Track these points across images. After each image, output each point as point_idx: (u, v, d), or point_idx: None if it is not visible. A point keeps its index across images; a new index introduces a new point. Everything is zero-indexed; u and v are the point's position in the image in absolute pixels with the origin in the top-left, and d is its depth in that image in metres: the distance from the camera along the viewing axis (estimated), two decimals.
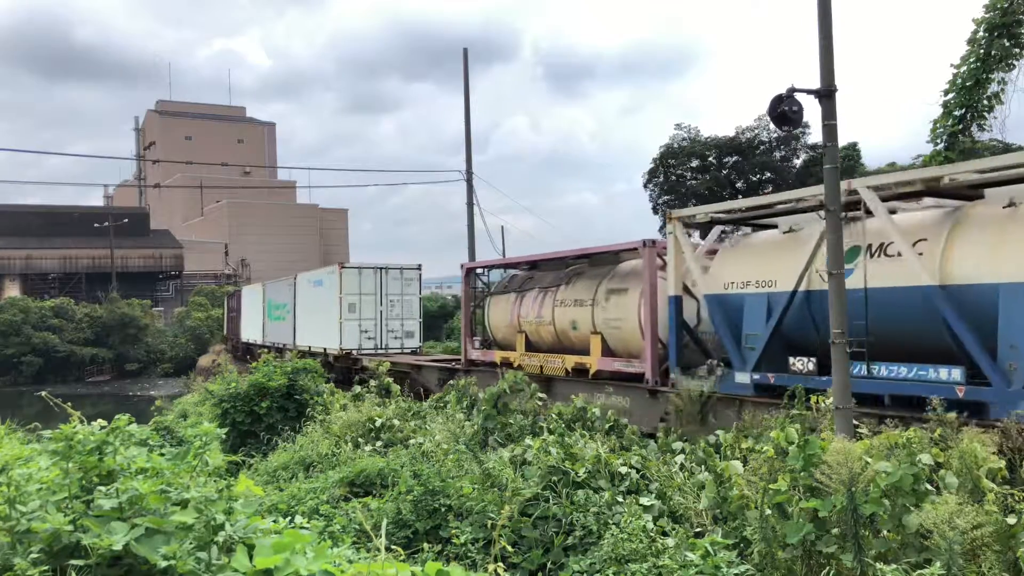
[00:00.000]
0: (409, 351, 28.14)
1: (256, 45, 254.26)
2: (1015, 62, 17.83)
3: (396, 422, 12.97)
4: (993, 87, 18.11)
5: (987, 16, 17.86)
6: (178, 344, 61.38)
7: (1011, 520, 5.43)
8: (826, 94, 8.70)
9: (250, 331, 42.88)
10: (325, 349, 28.83)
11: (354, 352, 27.51)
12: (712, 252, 14.47)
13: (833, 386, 8.66)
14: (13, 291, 67.19)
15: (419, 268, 29.15)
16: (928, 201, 10.97)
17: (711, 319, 13.62)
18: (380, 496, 8.83)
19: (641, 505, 7.52)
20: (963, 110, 18.24)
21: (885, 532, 5.71)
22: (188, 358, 58.07)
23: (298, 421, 14.62)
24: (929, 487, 5.85)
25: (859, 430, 8.33)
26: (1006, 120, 18.36)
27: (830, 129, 8.76)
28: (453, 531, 7.43)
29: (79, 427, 3.93)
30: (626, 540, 6.58)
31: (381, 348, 27.76)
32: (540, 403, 12.39)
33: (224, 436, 13.16)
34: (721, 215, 13.86)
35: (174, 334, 62.95)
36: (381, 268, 28.16)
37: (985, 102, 18.13)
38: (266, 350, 29.72)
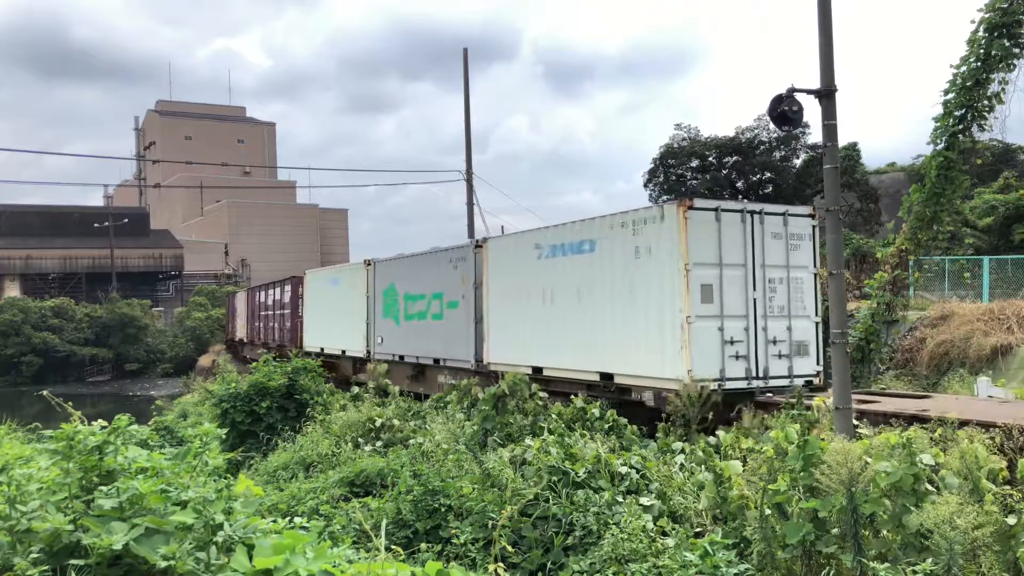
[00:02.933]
0: (804, 382, 13.36)
1: (256, 45, 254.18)
2: (1015, 62, 17.83)
3: (396, 422, 12.98)
4: (993, 87, 18.11)
5: (987, 16, 17.86)
6: (178, 344, 61.35)
7: (1011, 520, 5.43)
8: (826, 94, 8.71)
9: (327, 335, 27.99)
10: (634, 381, 13.72)
11: (714, 385, 12.39)
12: None
13: (833, 386, 8.66)
14: (13, 291, 67.17)
15: (812, 214, 13.90)
16: None
17: None
18: (380, 496, 8.82)
19: (641, 505, 7.52)
20: (963, 110, 18.25)
21: (885, 532, 5.71)
22: (188, 358, 58.02)
23: (298, 421, 14.63)
24: (929, 487, 5.85)
25: (859, 430, 8.34)
26: (1006, 120, 18.36)
27: (830, 129, 8.77)
28: (453, 531, 7.43)
29: (79, 427, 3.94)
30: (626, 540, 6.58)
31: (758, 377, 13.06)
32: (541, 403, 12.40)
33: (224, 436, 13.17)
34: None
35: (174, 334, 62.92)
36: (751, 211, 13.44)
37: (985, 102, 18.13)
38: (388, 365, 20.70)
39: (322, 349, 27.67)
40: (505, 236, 19.11)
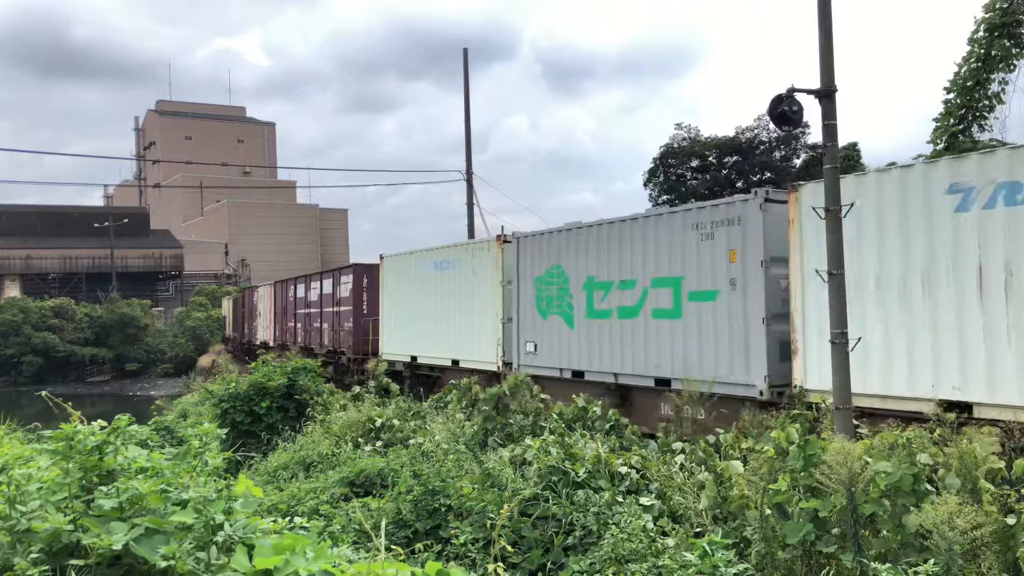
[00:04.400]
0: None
1: (255, 45, 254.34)
2: (1015, 62, 17.84)
3: (396, 422, 12.98)
4: (994, 87, 18.13)
5: (987, 16, 17.87)
6: (178, 344, 61.36)
7: (1011, 520, 5.44)
8: (826, 94, 8.70)
9: (424, 340, 20.83)
10: None
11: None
12: None
13: (833, 386, 8.66)
14: (13, 291, 67.17)
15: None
16: None
17: None
18: (380, 496, 8.83)
19: (641, 505, 7.52)
20: (963, 110, 18.25)
21: (885, 532, 5.71)
22: (188, 358, 58.03)
23: (298, 421, 14.64)
24: (929, 487, 5.85)
25: (859, 430, 8.34)
26: (1006, 120, 18.37)
27: (830, 129, 8.76)
28: (453, 531, 7.44)
29: (79, 427, 3.93)
30: (626, 540, 6.59)
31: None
32: (541, 404, 12.40)
33: (224, 436, 13.16)
34: None
35: (174, 334, 62.93)
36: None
37: (985, 102, 18.14)
38: (541, 382, 14.72)
39: (414, 359, 21.02)
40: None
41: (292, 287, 33.88)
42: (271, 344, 36.51)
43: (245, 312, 45.52)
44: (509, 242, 17.54)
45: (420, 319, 20.84)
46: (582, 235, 15.31)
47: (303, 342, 31.35)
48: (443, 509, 7.85)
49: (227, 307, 55.55)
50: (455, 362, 19.14)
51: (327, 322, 28.44)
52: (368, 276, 24.95)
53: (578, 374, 15.14)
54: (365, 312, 24.78)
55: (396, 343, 22.26)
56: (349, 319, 25.90)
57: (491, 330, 17.76)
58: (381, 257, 23.47)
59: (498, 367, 17.23)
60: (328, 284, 28.63)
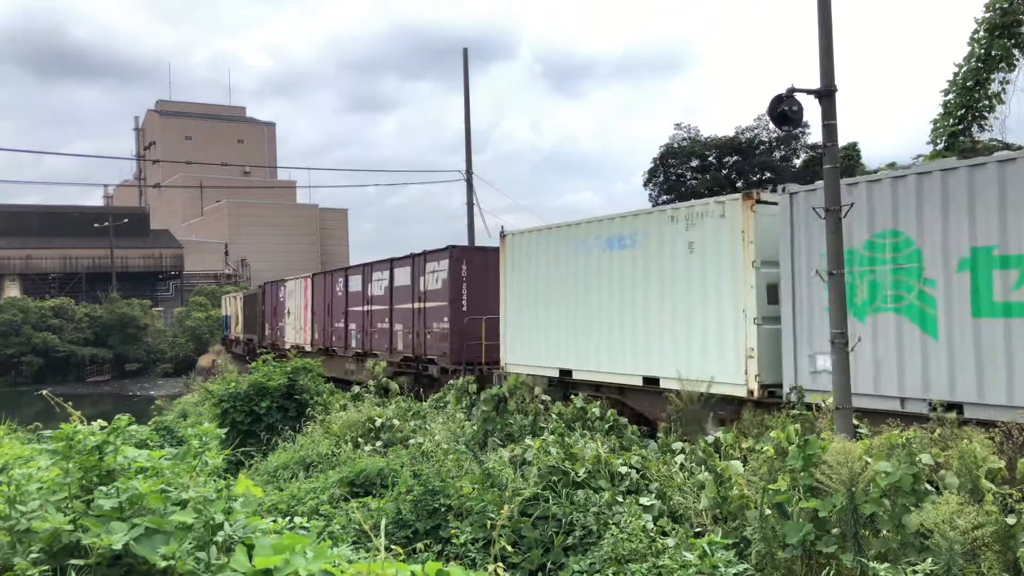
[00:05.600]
0: None
1: (256, 45, 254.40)
2: (1016, 62, 17.84)
3: (396, 422, 12.98)
4: (994, 87, 18.13)
5: (987, 16, 17.87)
6: (178, 344, 61.36)
7: (1011, 520, 5.44)
8: (826, 94, 8.70)
9: (586, 348, 15.20)
10: None
11: None
12: None
13: (833, 386, 8.65)
14: (13, 291, 67.18)
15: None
16: None
17: None
18: (380, 496, 8.83)
19: (641, 505, 7.53)
20: (963, 110, 18.25)
21: (885, 532, 5.71)
22: (188, 358, 58.00)
23: (298, 421, 14.64)
24: (929, 487, 5.86)
25: (859, 430, 8.34)
26: (1006, 120, 18.37)
27: (830, 129, 8.76)
28: (453, 531, 7.44)
29: (79, 427, 3.93)
30: (626, 540, 6.59)
31: None
32: (541, 404, 12.41)
33: (224, 436, 13.17)
34: None
35: (174, 334, 62.94)
36: None
37: (985, 102, 18.14)
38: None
39: (565, 373, 15.43)
40: None
41: (342, 280, 27.65)
42: (307, 348, 30.27)
43: (265, 311, 38.39)
44: (768, 202, 12.08)
45: (577, 318, 15.15)
46: (958, 180, 9.62)
47: (361, 346, 25.34)
48: (443, 509, 7.85)
49: (231, 305, 49.40)
50: (651, 380, 13.45)
51: (401, 322, 22.62)
52: (469, 262, 20.04)
53: (953, 407, 9.07)
54: (465, 309, 19.65)
55: (531, 351, 16.47)
56: (442, 319, 20.22)
57: (731, 334, 12.13)
58: (502, 236, 17.76)
59: (752, 391, 11.69)
60: (403, 274, 22.72)
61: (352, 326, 26.54)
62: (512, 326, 17.29)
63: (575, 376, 15.22)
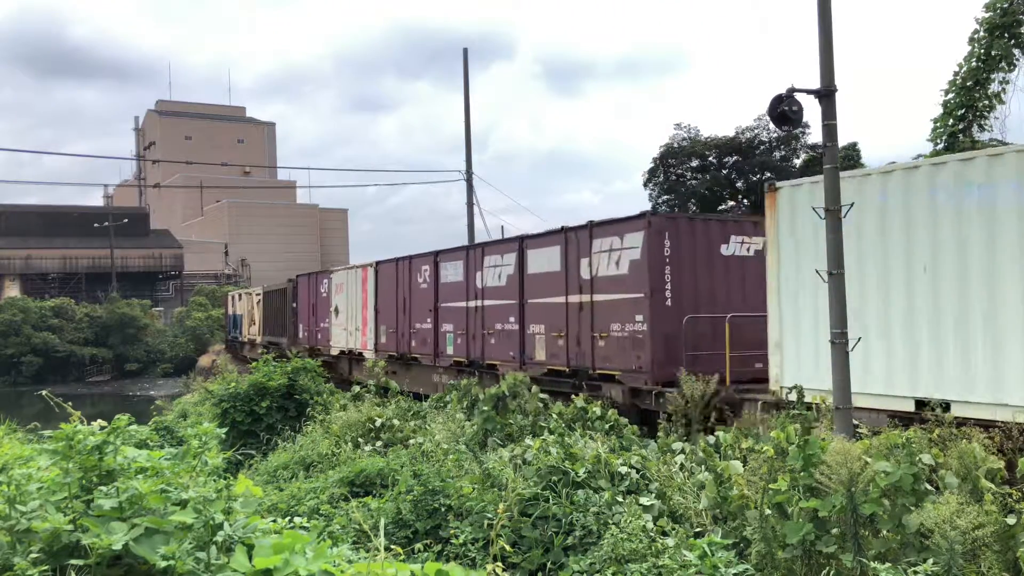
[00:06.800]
0: None
1: (255, 45, 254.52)
2: (1015, 62, 17.85)
3: (396, 422, 12.98)
4: (994, 87, 18.14)
5: (987, 16, 17.89)
6: (178, 344, 61.36)
7: (1011, 520, 5.44)
8: (826, 94, 8.71)
9: (957, 368, 9.26)
10: None
11: None
12: None
13: (833, 386, 8.65)
14: (13, 291, 67.19)
15: None
16: None
17: None
18: (380, 496, 8.83)
19: (641, 505, 7.52)
20: (963, 110, 18.26)
21: (885, 532, 5.71)
22: (188, 358, 57.96)
23: (298, 421, 14.64)
24: (929, 487, 5.86)
25: (859, 430, 8.34)
26: (1006, 120, 18.38)
27: (830, 129, 8.77)
28: (453, 531, 7.44)
29: (79, 427, 3.93)
30: (626, 540, 6.59)
31: None
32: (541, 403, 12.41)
33: (224, 436, 13.17)
34: None
35: (174, 334, 62.94)
36: None
37: (986, 102, 18.15)
38: None
39: (928, 404, 9.25)
40: None
41: (427, 268, 21.53)
42: (367, 354, 24.64)
43: (298, 309, 32.20)
44: None
45: (965, 313, 9.35)
46: None
47: (465, 353, 19.35)
48: (443, 509, 7.86)
49: (243, 303, 43.14)
50: None
51: (543, 322, 16.53)
52: (674, 235, 14.05)
53: None
54: (669, 303, 13.80)
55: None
56: (631, 317, 14.15)
57: None
58: (772, 189, 11.86)
59: None
60: (545, 256, 16.68)
61: (447, 327, 20.40)
62: (796, 326, 11.29)
63: (956, 411, 9.00)
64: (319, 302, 29.82)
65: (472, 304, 19.25)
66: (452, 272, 20.52)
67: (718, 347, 12.99)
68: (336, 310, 27.90)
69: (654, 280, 13.88)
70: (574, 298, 15.67)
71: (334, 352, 27.19)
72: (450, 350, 20.21)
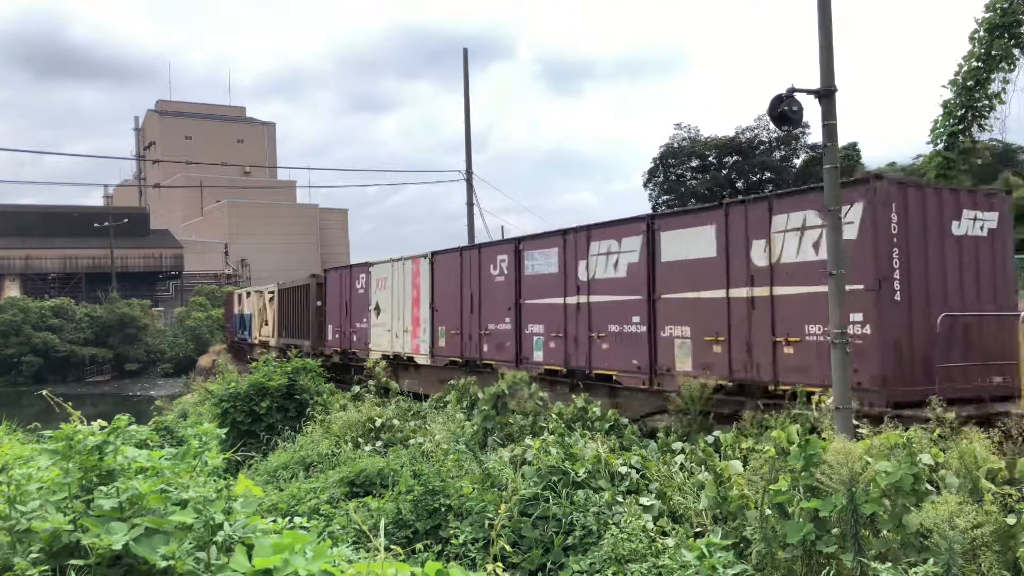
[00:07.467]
0: None
1: (255, 44, 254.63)
2: (1016, 62, 17.85)
3: (396, 422, 12.98)
4: (994, 87, 18.14)
5: (987, 16, 17.89)
6: (178, 344, 61.34)
7: (1011, 520, 5.43)
8: (826, 94, 8.71)
9: None
10: None
11: None
12: None
13: (833, 386, 8.65)
14: (13, 291, 67.18)
15: None
16: None
17: None
18: (380, 496, 8.83)
19: (641, 505, 7.53)
20: (963, 110, 18.26)
21: (885, 532, 5.71)
22: (188, 358, 57.93)
23: (298, 421, 14.64)
24: (929, 487, 5.85)
25: (859, 430, 8.33)
26: (1006, 120, 18.38)
27: (830, 129, 8.77)
28: (453, 531, 7.44)
29: (79, 427, 3.93)
30: (626, 540, 6.59)
31: None
32: (540, 403, 12.40)
33: (224, 436, 13.18)
34: None
35: (174, 334, 62.93)
36: None
37: (986, 102, 18.15)
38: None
39: None
40: None
41: (505, 258, 18.10)
42: (420, 360, 21.29)
43: (325, 308, 28.60)
44: None
45: None
46: None
47: (563, 360, 15.79)
48: (443, 509, 7.85)
49: (253, 302, 39.82)
50: None
51: (687, 323, 12.79)
52: (903, 208, 10.25)
53: None
54: (898, 296, 10.08)
55: None
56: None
57: None
58: None
59: None
60: (684, 239, 13.04)
61: (534, 328, 16.89)
62: None
63: None
64: (354, 299, 25.94)
65: (572, 301, 15.70)
66: (537, 264, 17.03)
67: (969, 355, 10.04)
68: (377, 308, 24.22)
69: (881, 266, 9.96)
70: (746, 291, 11.70)
71: (376, 354, 23.37)
72: (538, 355, 16.66)
